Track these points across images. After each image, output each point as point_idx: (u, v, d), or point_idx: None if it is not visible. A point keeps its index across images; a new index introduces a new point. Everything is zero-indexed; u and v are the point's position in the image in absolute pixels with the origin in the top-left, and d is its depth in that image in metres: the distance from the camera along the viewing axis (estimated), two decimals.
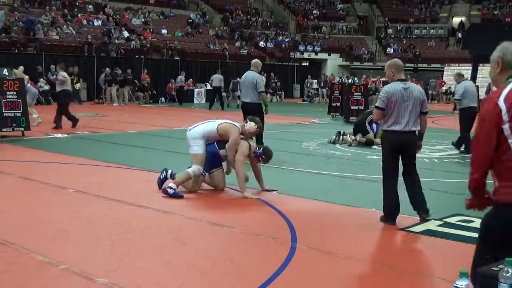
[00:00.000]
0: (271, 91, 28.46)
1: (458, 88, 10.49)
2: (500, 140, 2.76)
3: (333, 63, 36.67)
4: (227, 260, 4.27)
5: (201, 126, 6.76)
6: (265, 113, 10.06)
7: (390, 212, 5.34)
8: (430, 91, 30.59)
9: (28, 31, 23.86)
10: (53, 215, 5.46)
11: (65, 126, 13.02)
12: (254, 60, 10.43)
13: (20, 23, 24.23)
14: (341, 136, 11.67)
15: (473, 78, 29.38)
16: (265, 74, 26.22)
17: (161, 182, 6.71)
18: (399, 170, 5.42)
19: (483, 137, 2.82)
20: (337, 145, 11.30)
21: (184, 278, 3.86)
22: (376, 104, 5.41)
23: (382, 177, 5.47)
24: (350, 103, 17.32)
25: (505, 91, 2.81)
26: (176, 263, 4.16)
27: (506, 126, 2.74)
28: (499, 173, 2.83)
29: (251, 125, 6.84)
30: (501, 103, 2.77)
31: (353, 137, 11.48)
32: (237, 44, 33.28)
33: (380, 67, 35.40)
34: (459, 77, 10.73)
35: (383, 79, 31.54)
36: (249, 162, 6.81)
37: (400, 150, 5.37)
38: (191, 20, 33.01)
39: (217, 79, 21.91)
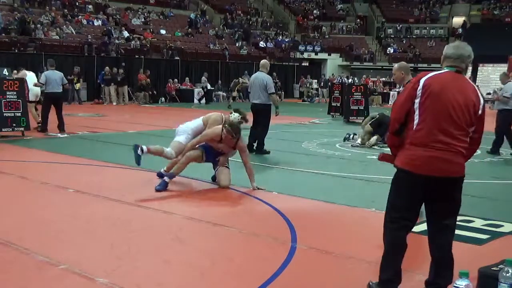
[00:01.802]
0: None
1: (506, 88, 10.53)
2: (410, 111, 3.30)
3: (333, 63, 36.66)
4: (227, 260, 4.27)
5: (191, 122, 7.24)
6: (276, 115, 10.08)
7: None
8: None
9: (24, 30, 23.78)
10: (53, 215, 5.46)
11: (64, 126, 12.99)
12: (263, 60, 10.43)
13: (20, 23, 24.23)
14: (353, 137, 11.55)
15: (473, 78, 29.41)
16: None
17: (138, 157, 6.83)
18: None
19: (399, 104, 3.38)
20: (337, 145, 11.30)
21: (184, 278, 3.86)
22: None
23: None
24: (350, 103, 17.33)
25: (431, 74, 3.34)
26: (176, 263, 4.16)
27: (417, 100, 3.28)
28: (404, 137, 3.36)
29: (235, 116, 6.95)
30: (422, 81, 3.30)
31: (374, 140, 11.16)
32: (237, 44, 33.27)
33: (380, 67, 35.48)
34: (505, 77, 10.88)
35: (383, 79, 31.67)
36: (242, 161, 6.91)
37: None
38: (189, 20, 32.98)
39: None
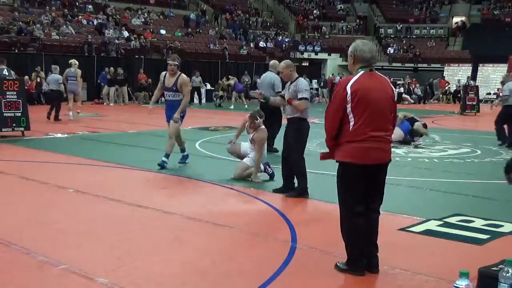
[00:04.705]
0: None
1: (505, 87, 11.48)
2: (344, 115, 3.76)
3: (333, 63, 36.66)
4: (227, 260, 4.27)
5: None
6: (284, 113, 10.16)
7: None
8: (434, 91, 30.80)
9: (24, 30, 23.75)
10: (53, 215, 5.46)
11: (64, 126, 13.00)
12: (273, 61, 10.75)
13: (20, 23, 24.20)
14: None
15: (473, 78, 29.39)
16: None
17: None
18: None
19: (332, 112, 3.84)
20: None
21: (184, 278, 3.86)
22: (306, 96, 6.50)
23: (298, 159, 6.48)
24: None
25: (354, 79, 3.77)
26: (176, 263, 4.16)
27: (348, 105, 3.73)
28: (340, 137, 3.81)
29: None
30: (348, 88, 3.74)
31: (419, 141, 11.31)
32: (244, 43, 33.25)
33: (380, 67, 35.42)
34: (508, 77, 11.94)
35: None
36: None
37: None
38: (189, 20, 32.95)
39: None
